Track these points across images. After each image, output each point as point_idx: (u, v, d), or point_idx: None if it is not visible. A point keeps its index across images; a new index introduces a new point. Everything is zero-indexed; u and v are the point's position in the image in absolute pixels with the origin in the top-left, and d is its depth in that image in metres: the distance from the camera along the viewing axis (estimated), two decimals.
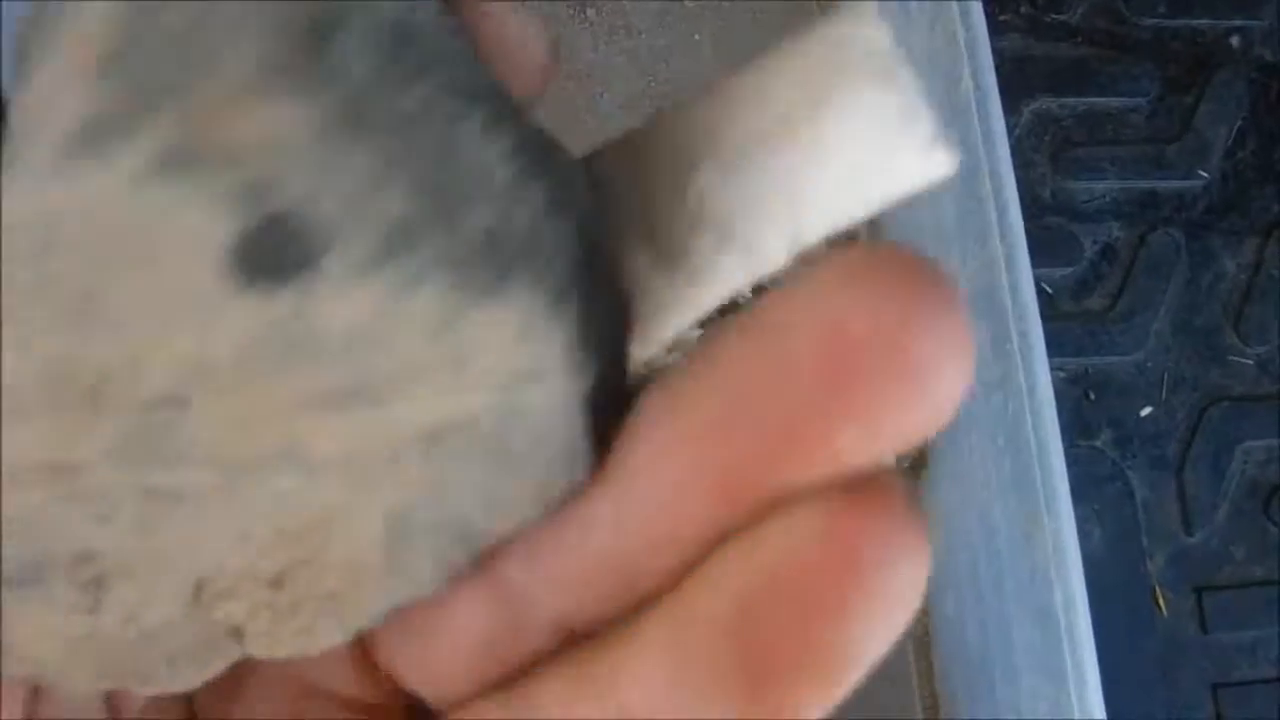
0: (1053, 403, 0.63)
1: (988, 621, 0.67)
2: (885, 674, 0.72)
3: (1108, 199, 0.91)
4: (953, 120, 0.67)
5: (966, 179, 0.66)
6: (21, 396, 0.15)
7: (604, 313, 0.17)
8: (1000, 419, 0.65)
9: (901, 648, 0.73)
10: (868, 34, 0.15)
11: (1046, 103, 0.92)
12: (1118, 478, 0.85)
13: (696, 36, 0.80)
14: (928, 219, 0.70)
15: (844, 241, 0.16)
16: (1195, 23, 0.97)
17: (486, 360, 0.16)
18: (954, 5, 0.67)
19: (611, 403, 0.17)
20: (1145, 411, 0.87)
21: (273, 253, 0.14)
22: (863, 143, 0.15)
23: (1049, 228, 0.89)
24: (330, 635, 0.18)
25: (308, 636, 0.18)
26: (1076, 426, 0.86)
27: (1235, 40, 0.99)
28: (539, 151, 0.17)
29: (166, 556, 0.16)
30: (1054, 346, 0.88)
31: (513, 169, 0.16)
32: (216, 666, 0.18)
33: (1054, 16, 0.95)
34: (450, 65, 0.16)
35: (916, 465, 0.70)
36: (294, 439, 0.16)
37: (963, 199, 0.67)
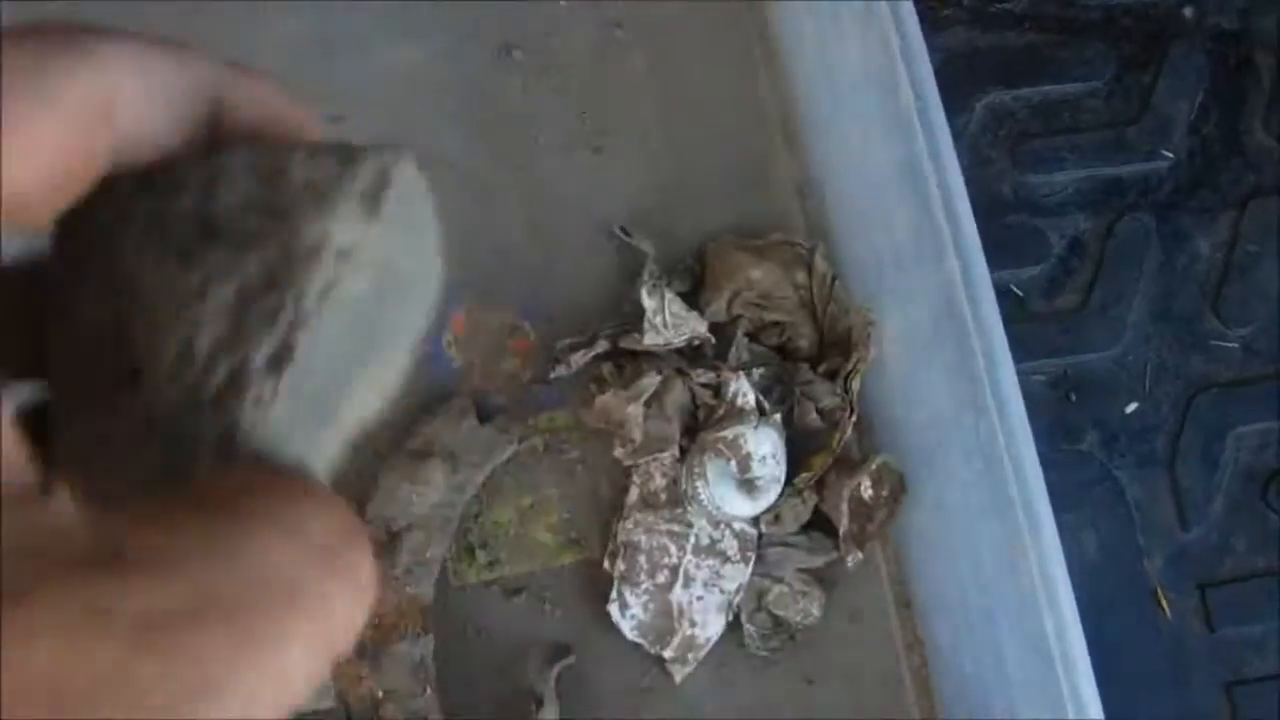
0: (1025, 419, 0.60)
1: (982, 653, 0.64)
2: (885, 710, 0.70)
3: (1071, 190, 0.88)
4: (894, 132, 0.65)
5: (915, 195, 0.63)
6: None
7: None
8: (973, 440, 0.62)
9: (900, 683, 0.70)
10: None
11: (998, 96, 0.90)
12: (1107, 479, 0.83)
13: (631, 68, 0.77)
14: (883, 240, 0.67)
15: None
16: None
17: None
18: (885, 10, 0.65)
19: None
20: (1130, 408, 0.84)
21: None
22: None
23: (1012, 226, 0.87)
24: None
25: None
26: (1060, 431, 0.83)
27: (1188, 11, 0.96)
28: None
29: None
30: (1029, 350, 0.85)
31: None
32: None
33: (998, 5, 0.93)
34: None
35: (896, 493, 0.68)
36: None
37: (914, 216, 0.64)
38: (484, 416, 0.67)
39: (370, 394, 0.28)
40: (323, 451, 0.26)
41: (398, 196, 0.25)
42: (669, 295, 0.64)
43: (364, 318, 0.27)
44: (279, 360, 0.25)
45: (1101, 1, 0.94)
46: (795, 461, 0.68)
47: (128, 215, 0.24)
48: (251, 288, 0.25)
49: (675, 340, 0.65)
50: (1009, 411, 0.60)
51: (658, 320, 0.64)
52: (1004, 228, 0.86)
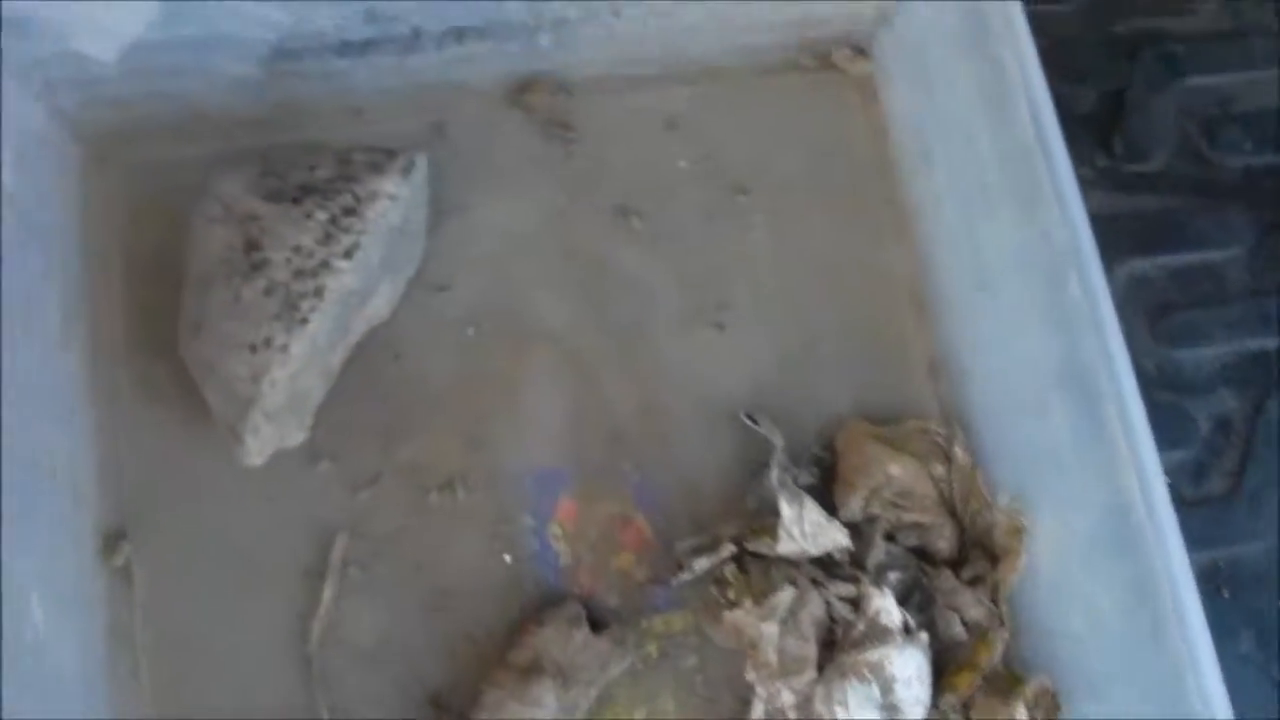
0: (1212, 652, 0.54)
1: None
2: None
3: (1217, 365, 0.82)
4: (1054, 321, 0.59)
5: (1080, 393, 0.58)
6: None
7: None
8: (1149, 670, 0.55)
9: None
10: None
11: (1138, 264, 0.84)
12: (1264, 684, 0.75)
13: (753, 236, 0.72)
14: (1037, 434, 0.61)
15: None
16: None
17: None
18: (1043, 174, 0.59)
19: None
20: None
21: None
22: None
23: (1157, 405, 0.80)
24: None
25: None
26: (1212, 630, 0.76)
27: None
28: None
29: None
30: None
31: None
32: None
33: (1132, 167, 0.87)
34: None
35: (1050, 715, 0.61)
36: None
37: (1075, 414, 0.58)
38: (596, 624, 0.61)
39: (384, 296, 0.62)
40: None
41: (419, 176, 0.60)
42: (808, 502, 0.58)
43: (391, 241, 0.59)
44: (350, 252, 0.56)
45: (1241, 163, 0.88)
46: (937, 675, 0.61)
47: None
48: (336, 215, 0.56)
49: (812, 550, 0.59)
50: (1198, 652, 0.53)
51: (794, 530, 0.58)
52: (1148, 407, 0.79)
